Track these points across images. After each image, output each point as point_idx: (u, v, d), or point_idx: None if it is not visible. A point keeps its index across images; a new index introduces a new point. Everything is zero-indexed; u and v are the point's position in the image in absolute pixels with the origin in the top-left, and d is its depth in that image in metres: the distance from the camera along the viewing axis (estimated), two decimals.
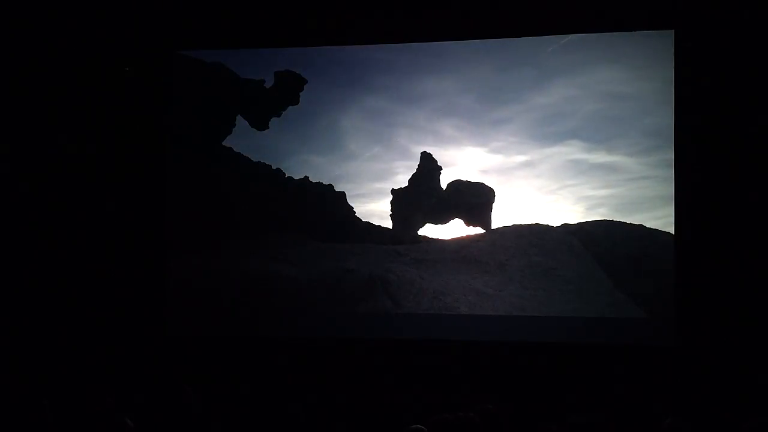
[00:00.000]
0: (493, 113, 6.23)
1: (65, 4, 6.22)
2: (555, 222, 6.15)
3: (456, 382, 5.81)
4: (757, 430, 3.21)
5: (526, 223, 6.23)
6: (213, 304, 6.47)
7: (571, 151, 6.10)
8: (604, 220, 6.03)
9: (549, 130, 6.15)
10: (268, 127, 6.62)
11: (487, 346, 6.00)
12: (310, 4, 6.17)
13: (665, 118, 5.77)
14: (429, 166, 6.42)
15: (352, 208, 6.51)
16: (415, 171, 6.44)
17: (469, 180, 6.37)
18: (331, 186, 6.51)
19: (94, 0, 6.25)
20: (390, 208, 6.51)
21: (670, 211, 5.77)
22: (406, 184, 6.46)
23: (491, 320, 6.08)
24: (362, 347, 6.15)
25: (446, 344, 6.08)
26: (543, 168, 6.16)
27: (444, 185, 6.43)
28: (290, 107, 6.55)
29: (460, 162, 6.36)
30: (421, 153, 6.38)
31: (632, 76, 5.92)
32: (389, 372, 5.97)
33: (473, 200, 6.35)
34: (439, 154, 6.37)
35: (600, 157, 6.07)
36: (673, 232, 5.76)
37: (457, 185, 6.41)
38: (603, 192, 6.07)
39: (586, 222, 6.09)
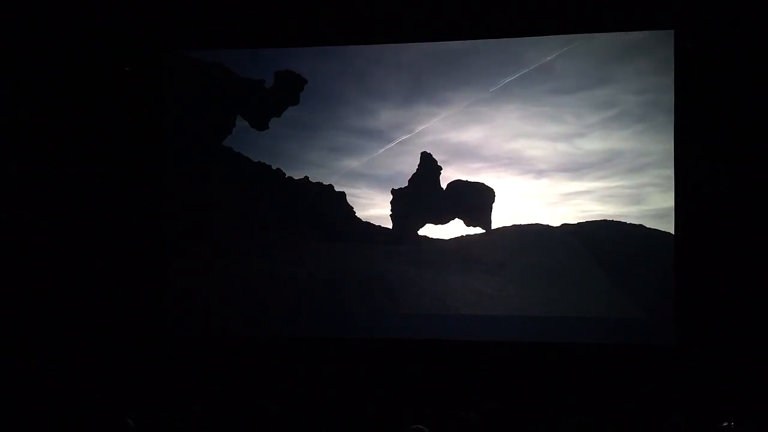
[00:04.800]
0: (493, 112, 6.24)
1: (66, 4, 6.22)
2: (555, 222, 6.15)
3: (456, 382, 5.82)
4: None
5: (526, 223, 6.23)
6: (213, 304, 6.47)
7: (572, 151, 6.11)
8: (604, 220, 6.03)
9: (550, 129, 6.15)
10: (268, 127, 6.62)
11: (487, 346, 6.01)
12: (310, 4, 6.17)
13: (665, 118, 5.79)
14: (429, 166, 6.42)
15: (352, 208, 6.52)
16: (415, 171, 6.44)
17: (469, 180, 6.37)
18: (331, 186, 6.52)
19: (95, 1, 6.25)
20: (390, 208, 6.51)
21: (670, 211, 5.78)
22: (406, 184, 6.46)
23: (491, 320, 6.08)
24: (362, 347, 6.16)
25: (446, 344, 6.09)
26: (543, 168, 6.17)
27: (444, 185, 6.43)
28: (290, 107, 6.56)
29: (461, 162, 6.37)
30: (422, 153, 6.38)
31: (633, 75, 5.91)
32: (389, 372, 5.97)
33: (473, 200, 6.35)
34: (440, 154, 6.37)
35: (600, 158, 6.07)
36: (673, 232, 5.77)
37: (457, 185, 6.40)
38: (603, 191, 6.07)
39: (586, 222, 6.09)
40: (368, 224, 6.51)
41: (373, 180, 6.49)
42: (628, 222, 5.96)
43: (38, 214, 6.28)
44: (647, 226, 5.90)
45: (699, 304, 5.59)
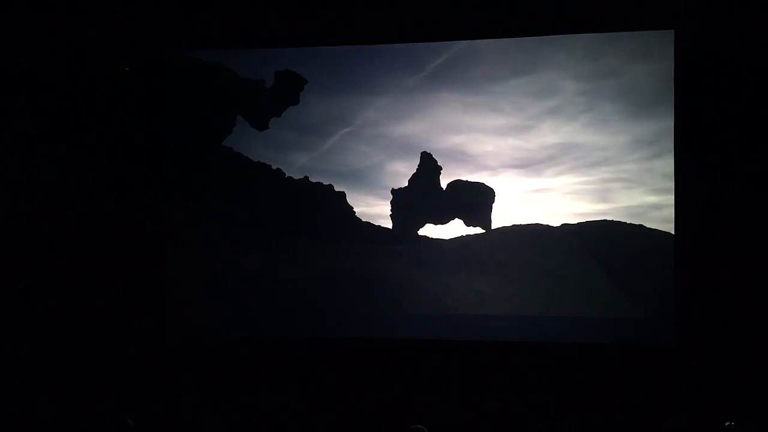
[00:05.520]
0: (493, 112, 6.23)
1: (66, 4, 6.22)
2: (555, 222, 6.15)
3: (456, 382, 5.82)
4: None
5: (526, 223, 6.23)
6: (213, 304, 6.47)
7: (571, 151, 6.10)
8: (604, 220, 6.03)
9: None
10: (268, 127, 6.62)
11: (487, 346, 6.01)
12: (311, 4, 6.17)
13: (665, 118, 5.79)
14: (429, 166, 6.42)
15: (352, 208, 6.52)
16: (415, 171, 6.44)
17: (469, 180, 6.37)
18: (331, 186, 6.52)
19: (94, 0, 6.26)
20: (390, 208, 6.51)
21: (670, 211, 5.78)
22: (406, 184, 6.46)
23: (491, 320, 6.08)
24: (362, 347, 6.16)
25: (446, 344, 6.09)
26: (543, 168, 6.17)
27: (444, 185, 6.43)
28: (290, 107, 6.56)
29: (461, 162, 6.37)
30: (421, 153, 6.38)
31: (633, 75, 5.91)
32: (389, 372, 5.98)
33: (473, 200, 6.35)
34: (440, 154, 6.37)
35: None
36: (673, 232, 5.77)
37: (457, 185, 6.41)
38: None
39: (586, 222, 6.09)
40: (368, 224, 6.51)
41: (374, 180, 6.49)
42: (628, 222, 5.97)
43: (38, 214, 6.28)
44: (647, 226, 5.91)
45: (699, 304, 5.59)
